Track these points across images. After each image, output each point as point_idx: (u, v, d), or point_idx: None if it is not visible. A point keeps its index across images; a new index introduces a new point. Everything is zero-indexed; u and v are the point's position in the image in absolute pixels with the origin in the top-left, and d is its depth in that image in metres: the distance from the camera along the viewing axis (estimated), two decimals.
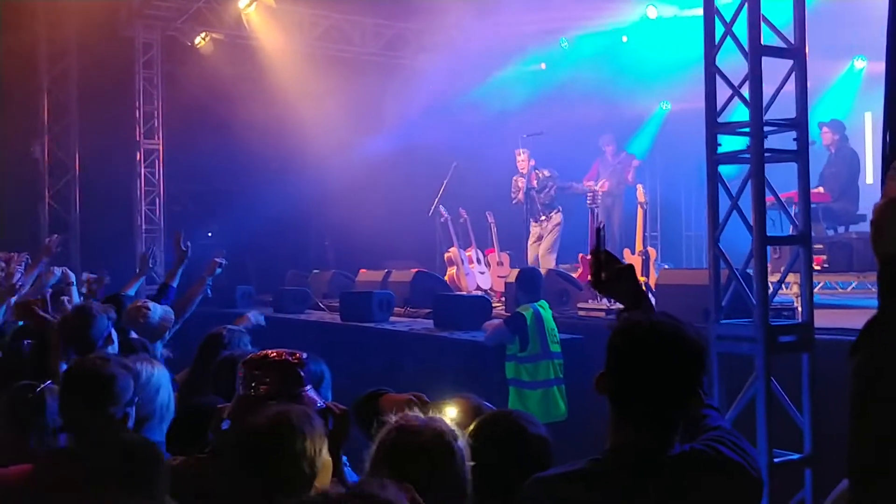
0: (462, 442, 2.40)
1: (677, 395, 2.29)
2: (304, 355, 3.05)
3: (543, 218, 11.76)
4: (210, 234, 14.59)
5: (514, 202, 11.92)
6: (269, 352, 3.02)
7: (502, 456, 2.57)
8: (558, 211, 11.79)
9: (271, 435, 2.45)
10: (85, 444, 2.94)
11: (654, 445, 2.26)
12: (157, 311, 5.36)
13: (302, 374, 2.96)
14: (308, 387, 2.98)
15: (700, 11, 5.41)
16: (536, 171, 11.84)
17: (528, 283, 7.17)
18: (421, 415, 2.45)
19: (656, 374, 2.28)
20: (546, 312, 7.02)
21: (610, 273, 2.77)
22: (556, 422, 6.69)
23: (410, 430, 2.36)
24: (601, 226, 2.92)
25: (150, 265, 7.26)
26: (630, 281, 2.80)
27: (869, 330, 1.66)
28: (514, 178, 11.94)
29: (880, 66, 3.15)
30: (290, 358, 2.97)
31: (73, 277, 6.66)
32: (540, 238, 11.77)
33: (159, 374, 3.55)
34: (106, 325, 4.49)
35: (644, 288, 2.86)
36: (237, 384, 2.98)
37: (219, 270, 6.53)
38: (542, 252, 11.64)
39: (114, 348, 4.48)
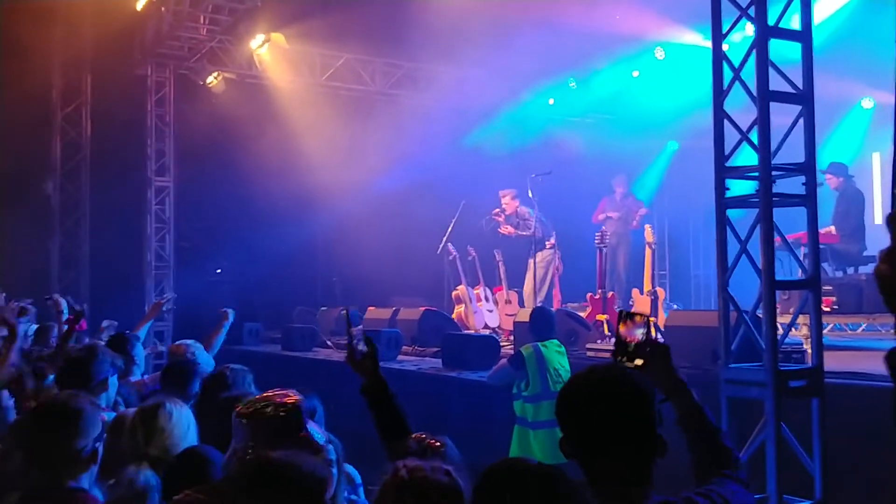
0: (468, 485, 2.38)
1: (621, 440, 2.24)
2: (298, 396, 3.02)
3: (535, 251, 11.92)
4: (219, 271, 14.64)
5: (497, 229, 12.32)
6: (263, 402, 2.96)
7: None
8: (545, 249, 12.03)
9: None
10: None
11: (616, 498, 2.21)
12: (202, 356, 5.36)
13: (300, 417, 2.94)
14: (308, 424, 2.97)
15: (709, 43, 5.46)
16: (519, 209, 12.27)
17: (538, 322, 7.14)
18: (425, 461, 2.43)
19: (592, 417, 2.25)
20: (549, 351, 6.94)
21: (644, 354, 2.67)
22: (561, 464, 6.62)
23: (418, 474, 2.35)
24: (627, 311, 2.80)
25: (164, 309, 7.28)
26: (665, 362, 2.69)
27: None
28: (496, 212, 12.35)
29: (889, 105, 3.19)
30: (283, 410, 2.91)
31: (63, 305, 6.69)
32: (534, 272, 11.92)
33: (188, 416, 3.60)
34: (105, 369, 4.49)
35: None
36: (234, 434, 2.95)
37: (231, 317, 6.56)
38: (526, 291, 11.92)
39: (108, 396, 4.46)
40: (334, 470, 2.85)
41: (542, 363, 6.80)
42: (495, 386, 7.21)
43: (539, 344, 6.91)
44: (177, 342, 5.58)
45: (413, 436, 3.17)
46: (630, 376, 2.35)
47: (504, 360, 7.18)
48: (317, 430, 3.01)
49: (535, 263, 11.82)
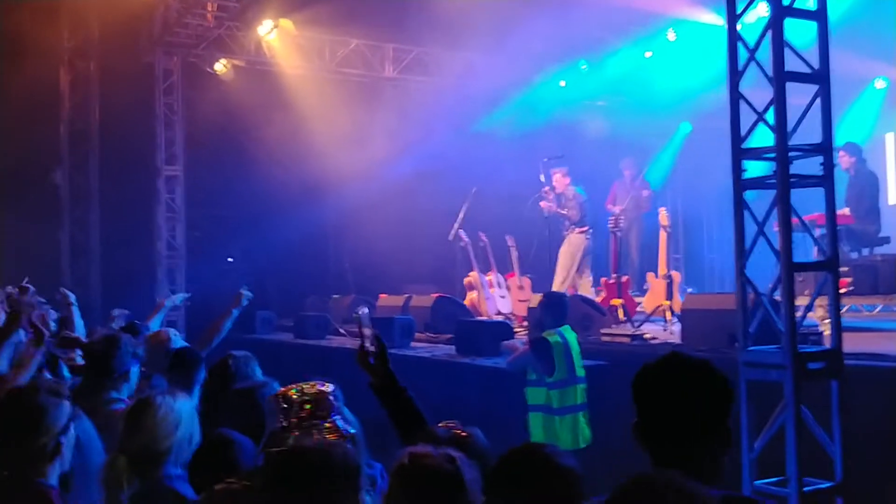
0: (476, 474, 2.36)
1: (694, 428, 2.25)
2: (332, 387, 3.03)
3: (567, 231, 11.67)
4: (231, 259, 14.63)
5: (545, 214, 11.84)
6: (300, 385, 3.01)
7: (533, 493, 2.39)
8: (577, 231, 11.59)
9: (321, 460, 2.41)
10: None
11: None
12: (178, 342, 5.32)
13: (332, 403, 2.96)
14: (336, 417, 2.97)
15: (723, 22, 5.38)
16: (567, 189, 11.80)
17: (554, 307, 7.09)
18: (433, 447, 2.43)
19: (670, 405, 2.26)
20: (571, 337, 6.95)
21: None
22: (581, 448, 6.63)
23: (423, 462, 2.35)
24: None
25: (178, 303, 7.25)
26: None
27: None
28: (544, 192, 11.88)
29: None
30: (320, 388, 2.97)
31: (72, 298, 6.66)
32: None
33: (179, 409, 3.46)
34: (127, 360, 4.45)
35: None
36: (269, 418, 2.96)
37: (245, 302, 6.46)
38: (573, 276, 11.47)
39: (129, 387, 4.44)
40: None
41: (568, 349, 6.81)
42: (513, 372, 7.18)
43: (561, 330, 6.89)
44: (156, 330, 5.53)
45: (443, 423, 3.14)
46: (712, 367, 2.33)
47: (525, 347, 7.14)
48: (342, 420, 3.00)
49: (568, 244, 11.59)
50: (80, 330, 6.21)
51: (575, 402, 6.81)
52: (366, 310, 3.69)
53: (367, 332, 3.49)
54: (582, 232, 11.56)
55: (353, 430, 2.92)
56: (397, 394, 3.35)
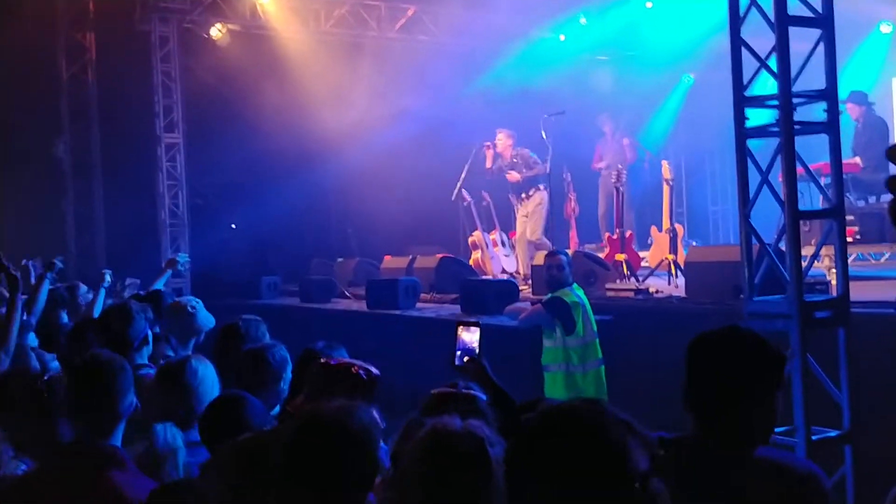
0: (500, 449, 2.29)
1: (741, 399, 2.35)
2: (377, 372, 3.11)
3: (524, 196, 11.65)
4: (234, 226, 14.61)
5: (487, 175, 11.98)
6: (348, 364, 3.13)
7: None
8: (539, 189, 11.60)
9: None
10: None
11: (711, 439, 2.33)
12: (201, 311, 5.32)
13: (374, 390, 3.07)
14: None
15: None
16: (517, 149, 11.81)
17: (565, 267, 7.11)
18: (459, 419, 2.34)
19: (722, 376, 2.37)
20: (583, 294, 7.05)
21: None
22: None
23: (447, 436, 2.26)
24: None
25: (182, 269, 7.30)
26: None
27: None
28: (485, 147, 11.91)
29: None
30: (366, 373, 3.05)
31: (108, 277, 6.72)
32: (526, 216, 11.66)
33: (213, 372, 3.66)
34: (143, 326, 4.47)
35: None
36: (308, 384, 3.08)
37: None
38: (529, 234, 11.56)
39: (149, 349, 4.47)
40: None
41: (584, 307, 6.89)
42: (525, 329, 7.22)
43: (575, 287, 6.95)
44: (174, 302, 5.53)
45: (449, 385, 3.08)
46: (767, 341, 2.47)
47: (537, 306, 7.16)
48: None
49: (525, 205, 11.60)
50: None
51: (596, 356, 6.90)
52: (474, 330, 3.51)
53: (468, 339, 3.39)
54: (540, 191, 11.60)
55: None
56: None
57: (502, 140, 11.82)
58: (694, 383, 2.43)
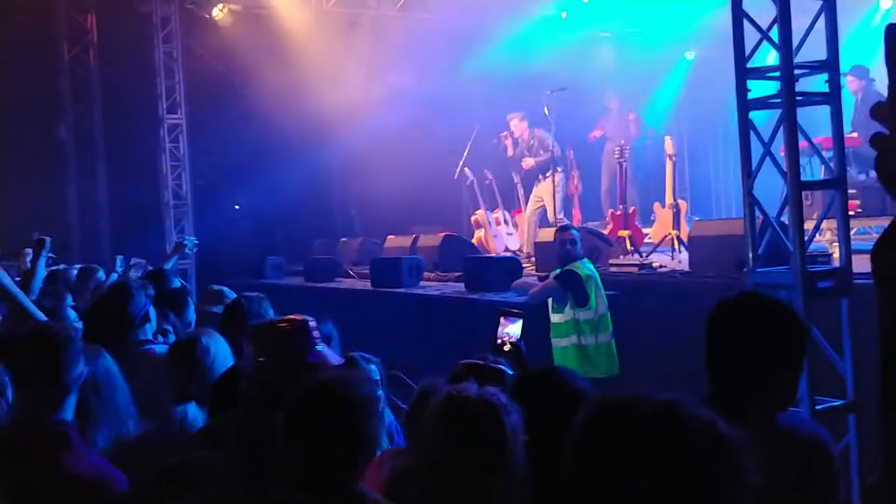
0: (516, 417, 2.32)
1: (762, 368, 2.35)
2: (309, 318, 3.06)
3: (541, 177, 11.65)
4: (237, 207, 14.62)
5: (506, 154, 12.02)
6: (272, 320, 3.09)
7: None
8: (557, 171, 11.59)
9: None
10: None
11: (721, 402, 2.29)
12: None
13: (311, 336, 2.99)
14: (320, 347, 3.01)
15: None
16: (533, 130, 11.81)
17: (576, 242, 7.17)
18: (475, 386, 2.37)
19: (743, 343, 2.37)
20: (593, 268, 7.14)
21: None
22: (615, 375, 6.81)
23: (462, 401, 2.31)
24: None
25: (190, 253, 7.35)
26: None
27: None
28: (502, 137, 11.94)
29: None
30: (293, 324, 2.98)
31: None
32: (540, 198, 11.66)
33: (224, 346, 3.67)
34: (144, 302, 4.43)
35: None
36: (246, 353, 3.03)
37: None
38: (551, 216, 11.47)
39: (152, 326, 4.43)
40: (380, 390, 2.84)
41: (596, 280, 6.98)
42: (533, 305, 7.26)
43: (586, 261, 7.02)
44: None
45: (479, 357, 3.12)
46: (789, 309, 2.49)
47: (549, 281, 7.21)
48: (329, 352, 3.02)
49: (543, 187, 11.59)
50: None
51: (608, 329, 6.95)
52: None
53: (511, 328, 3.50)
54: (559, 173, 11.60)
55: (336, 361, 3.00)
56: None
57: (516, 124, 11.88)
58: (716, 351, 2.43)
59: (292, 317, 3.03)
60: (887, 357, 1.00)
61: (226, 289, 5.34)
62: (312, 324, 3.03)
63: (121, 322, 4.26)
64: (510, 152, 11.93)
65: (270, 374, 2.87)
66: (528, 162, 11.71)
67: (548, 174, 11.56)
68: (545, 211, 11.64)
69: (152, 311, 4.51)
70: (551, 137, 11.62)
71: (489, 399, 2.30)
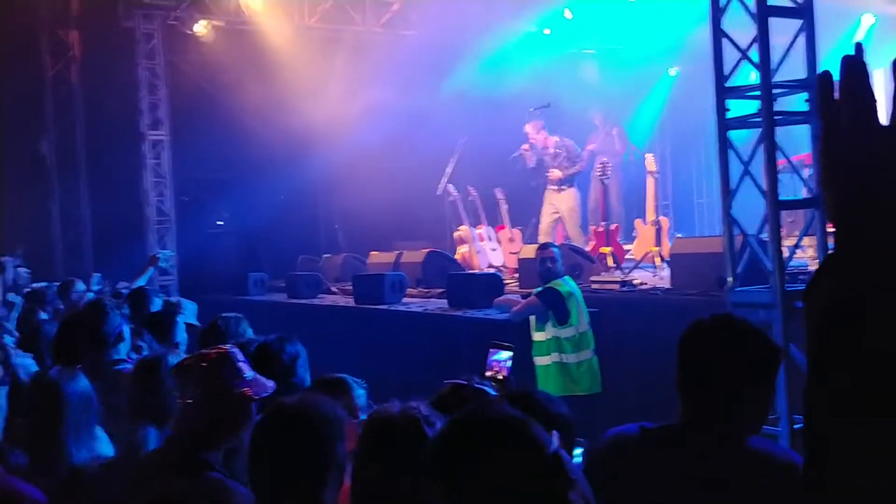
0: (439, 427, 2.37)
1: (730, 383, 2.35)
2: (232, 348, 3.04)
3: (555, 189, 11.54)
4: (221, 223, 14.57)
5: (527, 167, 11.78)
6: (194, 356, 3.06)
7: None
8: (571, 186, 11.53)
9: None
10: None
11: (693, 423, 2.35)
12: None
13: (236, 366, 2.96)
14: (249, 375, 2.97)
15: None
16: (562, 139, 11.63)
17: (558, 259, 7.17)
18: (398, 404, 2.44)
19: (714, 365, 2.36)
20: (575, 285, 7.14)
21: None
22: (598, 393, 6.80)
23: (383, 416, 2.39)
24: None
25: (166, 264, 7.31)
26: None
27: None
28: (522, 151, 11.83)
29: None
30: (216, 356, 2.95)
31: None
32: (557, 213, 11.57)
33: None
34: (118, 322, 4.43)
35: None
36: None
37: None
38: (574, 237, 11.32)
39: (126, 346, 4.42)
40: (363, 415, 2.86)
41: (577, 297, 6.98)
42: (515, 323, 7.25)
43: (567, 279, 7.00)
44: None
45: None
46: (764, 332, 2.48)
47: (531, 299, 7.19)
48: (261, 379, 2.99)
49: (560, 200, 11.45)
50: None
51: (590, 346, 6.94)
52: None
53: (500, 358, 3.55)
54: (573, 187, 11.49)
55: (271, 386, 2.98)
56: None
57: (532, 133, 11.66)
58: (687, 372, 2.43)
59: (215, 349, 3.02)
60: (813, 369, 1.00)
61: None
62: (235, 352, 3.00)
63: (94, 341, 4.23)
64: (530, 163, 11.62)
65: (199, 412, 2.87)
66: (555, 173, 11.43)
67: (564, 187, 11.43)
68: (560, 222, 11.52)
69: (126, 331, 4.49)
70: (580, 150, 11.49)
71: (411, 413, 2.36)
